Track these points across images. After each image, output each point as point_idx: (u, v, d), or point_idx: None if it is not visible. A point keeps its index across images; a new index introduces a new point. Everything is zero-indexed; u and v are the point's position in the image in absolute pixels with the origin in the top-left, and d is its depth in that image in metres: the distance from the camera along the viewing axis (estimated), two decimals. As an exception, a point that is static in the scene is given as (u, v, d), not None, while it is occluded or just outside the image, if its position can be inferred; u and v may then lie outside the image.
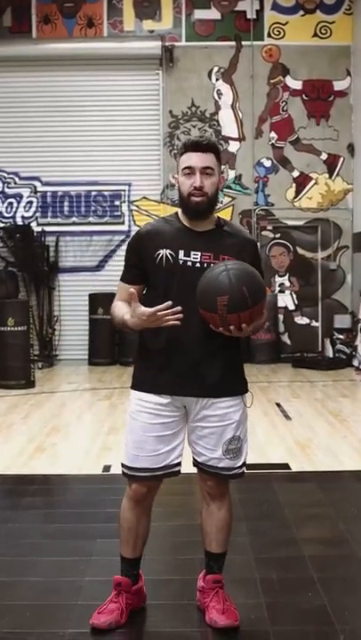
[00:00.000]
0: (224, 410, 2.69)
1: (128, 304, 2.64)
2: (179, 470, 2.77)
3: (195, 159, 2.65)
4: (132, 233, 2.78)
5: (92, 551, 3.52)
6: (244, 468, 2.79)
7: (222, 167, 10.56)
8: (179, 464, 2.76)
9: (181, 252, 2.65)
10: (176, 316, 2.51)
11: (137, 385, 2.76)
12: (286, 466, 5.04)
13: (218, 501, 2.80)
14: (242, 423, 2.74)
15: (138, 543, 2.85)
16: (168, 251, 2.66)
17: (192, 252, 2.65)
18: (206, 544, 2.86)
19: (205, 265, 2.63)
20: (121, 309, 2.70)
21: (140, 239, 2.74)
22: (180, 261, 2.65)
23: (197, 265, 2.64)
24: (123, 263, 2.84)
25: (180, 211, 2.76)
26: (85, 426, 6.52)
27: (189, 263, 2.64)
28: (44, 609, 2.94)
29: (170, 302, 2.52)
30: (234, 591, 2.92)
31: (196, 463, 2.79)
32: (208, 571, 2.86)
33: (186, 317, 2.53)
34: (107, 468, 4.95)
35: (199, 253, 2.65)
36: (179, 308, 2.50)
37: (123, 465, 2.78)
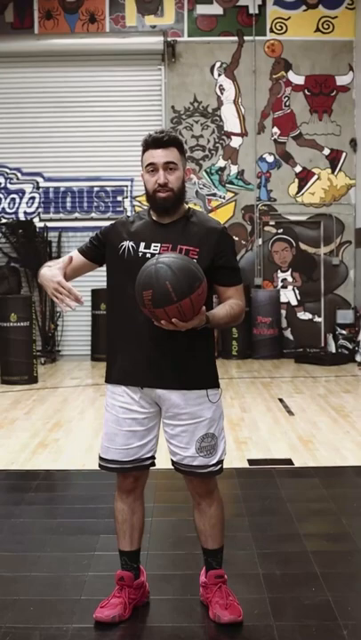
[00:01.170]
0: (194, 407, 2.67)
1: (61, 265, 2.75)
2: (152, 463, 2.81)
3: (157, 155, 2.63)
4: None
5: (96, 546, 3.53)
6: (220, 466, 2.75)
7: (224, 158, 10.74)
8: (151, 457, 2.79)
9: (142, 245, 2.66)
10: (72, 303, 2.61)
11: (107, 377, 2.79)
12: (289, 461, 5.05)
13: (207, 499, 2.79)
14: (215, 421, 2.72)
15: (134, 535, 2.86)
16: (131, 243, 2.68)
17: (152, 244, 2.65)
18: (202, 541, 2.86)
19: None
20: (50, 264, 2.77)
21: (110, 229, 2.79)
22: (140, 253, 2.65)
23: (81, 300, 2.66)
24: None
25: (150, 205, 2.76)
26: (88, 421, 6.53)
27: (148, 255, 2.63)
28: (47, 604, 2.95)
29: (78, 295, 2.62)
30: (237, 586, 2.93)
31: (172, 463, 2.79)
32: (208, 567, 2.87)
33: None
34: (109, 463, 4.95)
35: (159, 245, 2.64)
36: (80, 302, 2.61)
37: (99, 456, 2.84)
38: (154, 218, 2.73)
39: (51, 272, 2.69)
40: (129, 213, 10.59)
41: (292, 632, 2.71)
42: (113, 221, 2.86)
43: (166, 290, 2.38)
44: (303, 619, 2.80)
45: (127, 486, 2.81)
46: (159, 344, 2.62)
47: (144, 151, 2.68)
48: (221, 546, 2.86)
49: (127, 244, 2.69)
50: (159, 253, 2.61)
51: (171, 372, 2.65)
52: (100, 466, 2.83)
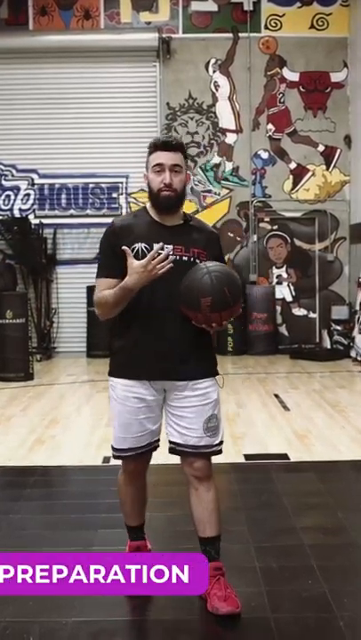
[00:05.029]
0: (204, 390, 2.86)
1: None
2: (158, 445, 2.99)
3: (164, 157, 2.82)
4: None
5: (94, 541, 3.55)
6: (221, 446, 2.93)
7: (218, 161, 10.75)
8: (158, 440, 2.98)
9: (156, 246, 2.75)
10: (170, 259, 2.70)
11: (119, 372, 2.90)
12: (285, 456, 5.08)
13: (205, 483, 2.90)
14: (218, 402, 2.92)
15: (142, 510, 3.11)
16: (143, 244, 2.80)
17: (165, 246, 2.77)
18: (200, 531, 2.92)
19: (178, 257, 2.79)
20: (110, 291, 2.79)
21: (116, 233, 2.85)
22: (156, 254, 2.74)
23: (170, 257, 2.76)
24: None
25: (148, 205, 2.92)
26: (85, 418, 6.55)
27: None
28: (46, 598, 2.94)
29: (161, 244, 2.72)
30: (234, 579, 2.95)
31: (175, 447, 2.90)
32: (207, 558, 2.87)
33: (162, 307, 2.77)
34: (106, 459, 4.96)
35: (171, 246, 2.80)
36: (169, 249, 2.74)
37: (112, 447, 2.99)
38: (156, 219, 2.88)
39: (133, 269, 2.69)
40: (124, 214, 10.61)
41: (289, 624, 2.74)
42: (111, 226, 2.91)
43: (225, 295, 2.67)
44: (300, 611, 2.83)
45: (139, 469, 3.00)
46: (175, 340, 2.81)
47: (151, 152, 2.86)
48: (220, 534, 2.92)
49: (139, 245, 2.81)
50: (181, 256, 2.80)
51: (188, 365, 2.83)
52: (116, 457, 2.98)
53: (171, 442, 2.91)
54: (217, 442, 2.89)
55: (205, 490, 2.89)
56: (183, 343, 2.81)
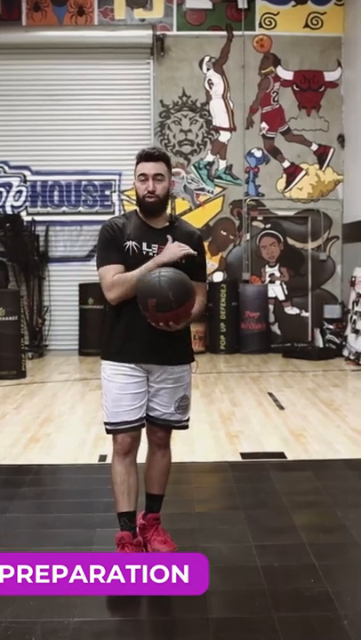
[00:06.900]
0: (179, 374, 3.25)
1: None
2: (145, 423, 3.27)
3: (148, 167, 3.16)
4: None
5: (92, 541, 3.53)
6: (189, 422, 3.36)
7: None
8: (145, 416, 3.26)
9: (144, 245, 3.16)
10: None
11: (111, 356, 3.22)
12: (282, 454, 5.07)
13: (163, 450, 3.35)
14: (190, 385, 3.33)
15: (131, 495, 3.22)
16: (134, 243, 3.16)
17: (152, 245, 3.17)
18: (149, 487, 3.37)
19: None
20: (136, 270, 3.10)
21: (114, 229, 3.20)
22: (144, 252, 3.16)
23: (156, 255, 3.15)
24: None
25: (138, 208, 3.25)
26: (79, 416, 6.51)
27: (150, 254, 3.15)
28: (47, 599, 2.93)
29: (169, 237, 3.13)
30: (236, 578, 2.95)
31: (148, 418, 3.25)
32: (149, 511, 3.36)
33: None
34: (102, 457, 4.94)
35: (157, 246, 3.16)
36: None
37: (105, 423, 3.24)
38: (144, 220, 3.22)
39: (165, 253, 3.11)
40: (117, 211, 10.59)
41: (292, 623, 2.73)
42: (109, 223, 3.24)
43: (168, 299, 2.92)
44: (303, 610, 2.83)
45: (126, 447, 3.19)
46: (162, 331, 3.07)
47: (137, 163, 3.19)
48: (164, 493, 3.39)
49: (130, 243, 3.16)
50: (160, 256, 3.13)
51: (171, 352, 3.20)
52: (111, 431, 3.21)
53: (146, 413, 3.23)
54: (186, 418, 3.32)
55: (162, 455, 3.34)
56: (169, 335, 3.09)
